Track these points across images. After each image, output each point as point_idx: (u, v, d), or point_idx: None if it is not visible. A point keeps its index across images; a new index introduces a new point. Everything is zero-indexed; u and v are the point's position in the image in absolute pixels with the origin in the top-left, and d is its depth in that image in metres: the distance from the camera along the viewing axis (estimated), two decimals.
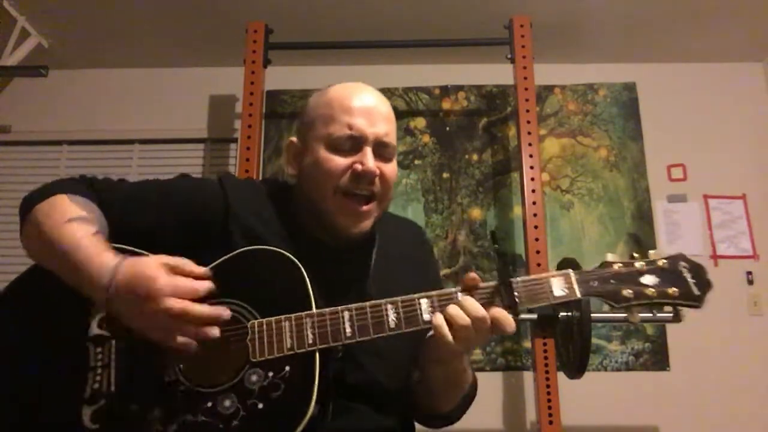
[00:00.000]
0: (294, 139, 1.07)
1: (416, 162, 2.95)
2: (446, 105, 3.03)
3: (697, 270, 0.93)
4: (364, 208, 0.98)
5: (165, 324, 0.82)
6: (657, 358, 2.67)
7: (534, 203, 2.38)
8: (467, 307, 0.87)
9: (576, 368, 1.97)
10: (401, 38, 2.68)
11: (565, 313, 2.08)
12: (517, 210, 2.82)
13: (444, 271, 2.76)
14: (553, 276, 0.90)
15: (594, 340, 2.52)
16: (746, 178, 2.88)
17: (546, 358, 2.25)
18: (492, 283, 0.90)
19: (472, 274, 0.90)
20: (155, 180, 1.05)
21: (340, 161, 0.97)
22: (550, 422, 2.19)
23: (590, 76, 3.03)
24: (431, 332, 0.89)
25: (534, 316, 2.21)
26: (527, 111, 2.46)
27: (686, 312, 2.15)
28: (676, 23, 2.74)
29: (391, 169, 1.01)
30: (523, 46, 2.52)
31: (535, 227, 2.34)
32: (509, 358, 2.69)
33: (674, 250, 3.16)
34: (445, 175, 2.93)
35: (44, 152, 3.06)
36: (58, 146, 3.07)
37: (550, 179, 2.90)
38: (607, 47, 2.93)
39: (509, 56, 2.54)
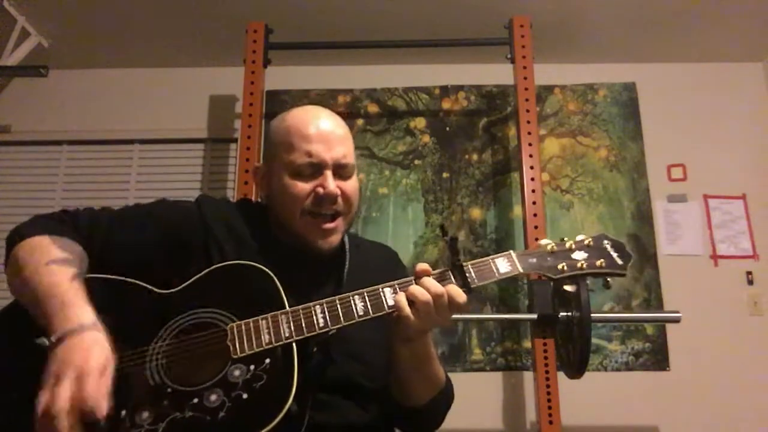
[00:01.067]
0: (259, 164, 1.17)
1: (416, 162, 2.95)
2: (446, 105, 3.03)
3: (619, 245, 1.05)
4: (329, 225, 1.07)
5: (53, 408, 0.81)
6: (657, 358, 2.67)
7: (534, 203, 2.38)
8: (428, 286, 0.95)
9: (576, 368, 1.97)
10: (401, 38, 2.68)
11: (565, 313, 2.08)
12: (517, 210, 2.82)
13: None
14: (497, 257, 1.02)
15: (594, 340, 2.52)
16: (746, 178, 2.88)
17: (546, 358, 2.24)
18: (443, 269, 1.00)
19: (423, 264, 0.98)
20: (135, 206, 1.14)
21: (303, 186, 1.06)
22: (550, 422, 2.19)
23: (590, 76, 3.03)
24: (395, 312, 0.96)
25: (534, 316, 2.21)
26: (527, 111, 2.46)
27: (686, 312, 2.15)
28: (676, 23, 2.74)
29: (351, 186, 1.10)
30: (523, 46, 2.52)
31: (535, 227, 2.34)
32: (509, 358, 2.69)
33: (674, 250, 3.15)
34: (445, 175, 2.93)
35: (44, 152, 3.06)
36: (58, 146, 3.07)
37: (550, 179, 2.90)
38: (607, 47, 2.93)
39: (509, 56, 2.54)
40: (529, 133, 2.44)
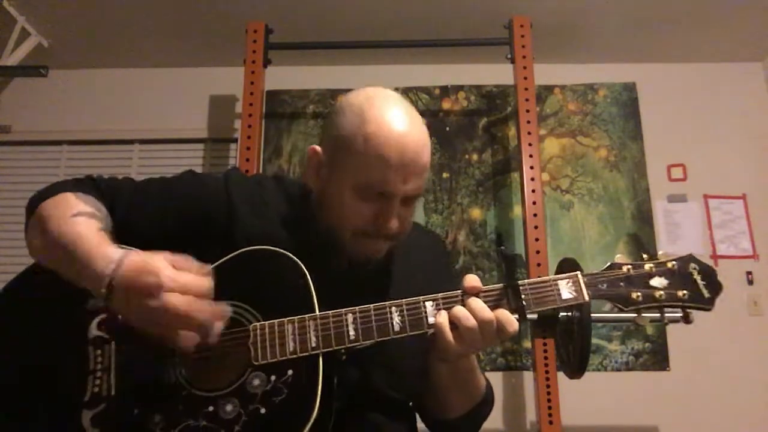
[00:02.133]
0: (319, 149, 0.98)
1: None
2: (446, 105, 3.03)
3: (708, 272, 0.91)
4: (379, 246, 0.95)
5: (166, 320, 0.77)
6: (657, 358, 2.67)
7: (534, 203, 2.38)
8: (474, 309, 0.85)
9: (576, 368, 1.97)
10: (401, 38, 2.68)
11: (565, 313, 2.08)
12: (517, 210, 2.82)
13: None
14: (561, 279, 0.89)
15: (594, 340, 2.52)
16: (746, 178, 2.88)
17: (546, 358, 2.25)
18: (498, 286, 0.89)
19: (474, 279, 0.88)
20: (160, 179, 1.04)
21: (364, 210, 0.92)
22: (550, 422, 2.19)
23: (590, 76, 3.03)
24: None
25: (534, 316, 2.21)
26: (527, 111, 2.46)
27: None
28: (676, 23, 2.74)
29: (411, 213, 0.97)
30: (523, 46, 2.52)
31: (535, 227, 2.34)
32: (509, 358, 2.69)
33: (674, 250, 3.15)
34: (445, 175, 2.93)
35: (44, 152, 3.06)
36: (58, 146, 3.07)
37: (550, 179, 2.90)
38: (607, 47, 2.93)
39: (509, 56, 2.54)
40: (529, 133, 2.44)
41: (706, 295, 0.89)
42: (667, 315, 0.91)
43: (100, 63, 3.07)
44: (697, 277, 0.90)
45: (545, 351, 2.25)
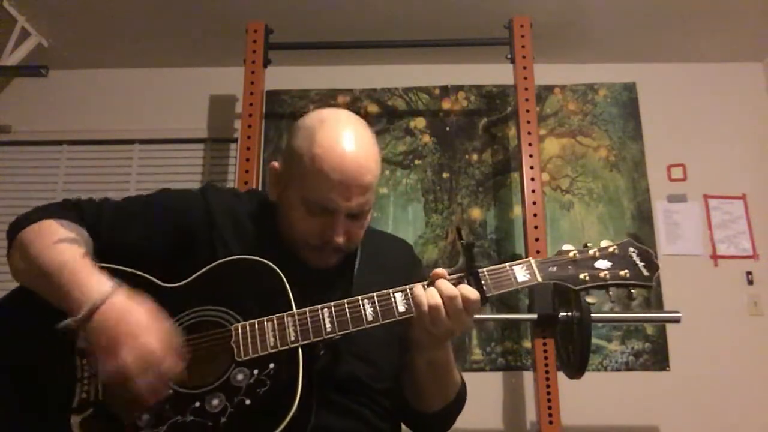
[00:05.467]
0: (277, 164, 1.06)
1: (416, 162, 2.95)
2: (446, 105, 3.03)
3: (645, 254, 1.01)
4: (329, 258, 1.02)
5: (117, 378, 0.82)
6: (657, 358, 2.67)
7: (534, 203, 2.38)
8: (440, 288, 0.92)
9: (576, 368, 1.97)
10: (401, 38, 2.68)
11: (565, 313, 2.08)
12: (517, 210, 2.82)
13: None
14: (515, 264, 0.98)
15: (594, 340, 2.52)
16: (746, 178, 2.88)
17: (546, 358, 2.24)
18: (459, 274, 0.96)
19: (440, 269, 0.95)
20: (137, 197, 1.09)
21: (311, 224, 0.99)
22: (550, 422, 2.19)
23: (590, 76, 3.03)
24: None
25: (534, 316, 2.22)
26: (527, 111, 2.46)
27: (686, 312, 2.15)
28: (676, 23, 2.74)
29: (360, 226, 1.03)
30: (523, 46, 2.52)
31: (535, 227, 2.34)
32: (509, 358, 2.69)
33: (674, 250, 3.15)
34: (445, 175, 2.93)
35: (44, 152, 3.06)
36: (58, 146, 3.07)
37: (550, 179, 2.90)
38: (607, 47, 2.93)
39: (509, 56, 2.54)
40: (529, 133, 2.44)
41: (645, 273, 0.99)
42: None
43: (100, 63, 3.08)
44: (636, 259, 1.00)
45: (545, 351, 2.25)
